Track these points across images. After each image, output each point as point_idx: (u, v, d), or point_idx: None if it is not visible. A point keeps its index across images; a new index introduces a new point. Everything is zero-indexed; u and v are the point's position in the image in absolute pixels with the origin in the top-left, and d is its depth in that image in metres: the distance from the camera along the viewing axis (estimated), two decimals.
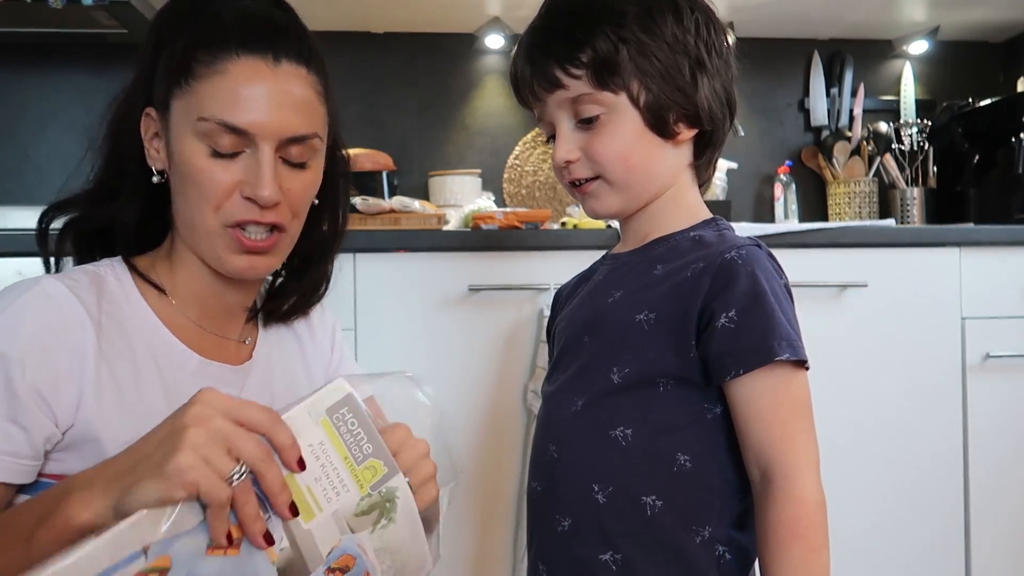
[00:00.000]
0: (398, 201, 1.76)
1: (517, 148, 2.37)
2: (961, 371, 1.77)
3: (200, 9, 0.85)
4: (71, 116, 2.22)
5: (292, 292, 0.98)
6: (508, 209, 1.92)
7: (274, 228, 0.85)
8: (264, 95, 0.81)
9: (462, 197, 2.12)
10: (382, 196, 1.96)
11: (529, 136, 2.37)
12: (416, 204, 1.77)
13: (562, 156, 0.87)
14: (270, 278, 0.99)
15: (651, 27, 0.84)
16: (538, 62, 0.87)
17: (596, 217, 0.92)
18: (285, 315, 0.99)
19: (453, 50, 2.35)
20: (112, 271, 0.87)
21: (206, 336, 0.90)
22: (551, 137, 0.91)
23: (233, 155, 0.82)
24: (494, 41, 2.31)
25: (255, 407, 0.67)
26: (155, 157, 0.87)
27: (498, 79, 2.37)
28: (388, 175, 2.07)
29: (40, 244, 0.91)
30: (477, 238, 1.68)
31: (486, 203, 2.03)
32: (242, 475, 0.64)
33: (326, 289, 1.01)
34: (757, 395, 0.79)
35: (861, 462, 1.74)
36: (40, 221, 0.91)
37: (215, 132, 0.80)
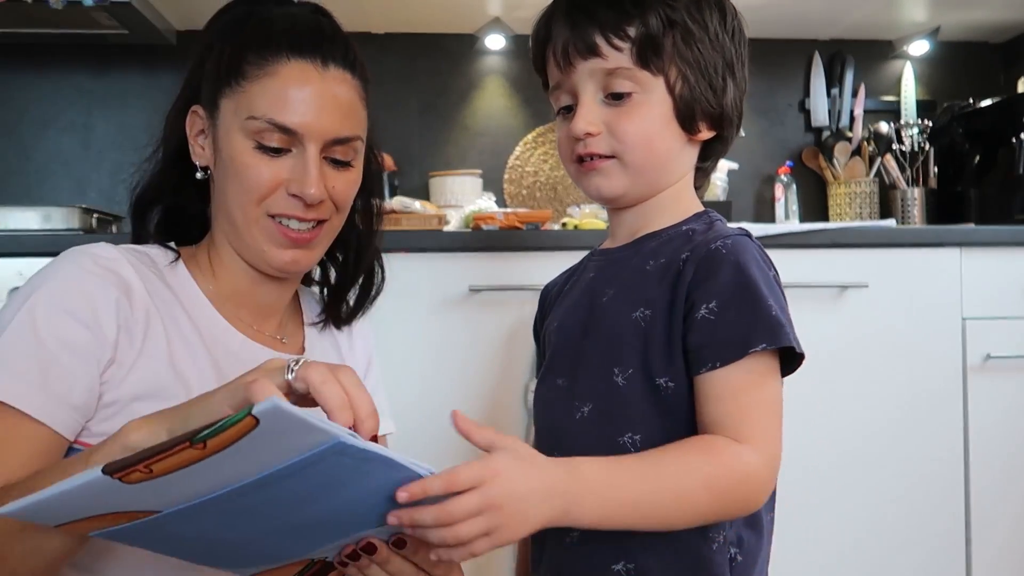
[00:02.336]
0: (399, 202, 1.76)
1: (518, 148, 2.37)
2: (962, 372, 1.76)
3: (249, 14, 0.88)
4: (72, 117, 2.22)
5: (347, 289, 1.02)
6: (509, 210, 1.92)
7: (318, 222, 0.88)
8: (313, 97, 0.84)
9: (463, 197, 2.12)
10: (382, 196, 1.96)
11: (530, 136, 2.37)
12: (417, 204, 1.77)
13: (584, 127, 0.83)
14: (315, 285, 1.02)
15: (698, 18, 0.83)
16: (580, 26, 0.83)
17: (598, 196, 0.88)
18: (350, 314, 1.03)
19: (454, 50, 2.35)
20: (159, 249, 0.91)
21: (245, 328, 0.92)
22: (564, 108, 0.87)
23: (279, 153, 0.85)
24: (495, 41, 2.31)
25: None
26: (200, 154, 0.90)
27: (499, 79, 2.37)
28: (389, 175, 2.07)
29: (135, 234, 0.96)
30: (478, 239, 1.68)
31: (487, 203, 2.03)
32: (298, 363, 0.66)
33: (380, 284, 1.04)
34: (724, 382, 0.76)
35: (861, 463, 1.74)
36: (136, 213, 0.95)
37: (264, 131, 0.84)
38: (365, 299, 1.03)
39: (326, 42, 0.87)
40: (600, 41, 0.82)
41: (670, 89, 0.83)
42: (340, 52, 0.87)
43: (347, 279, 1.02)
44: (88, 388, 0.78)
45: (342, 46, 0.88)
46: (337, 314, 1.02)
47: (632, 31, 0.81)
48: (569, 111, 0.86)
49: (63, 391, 0.76)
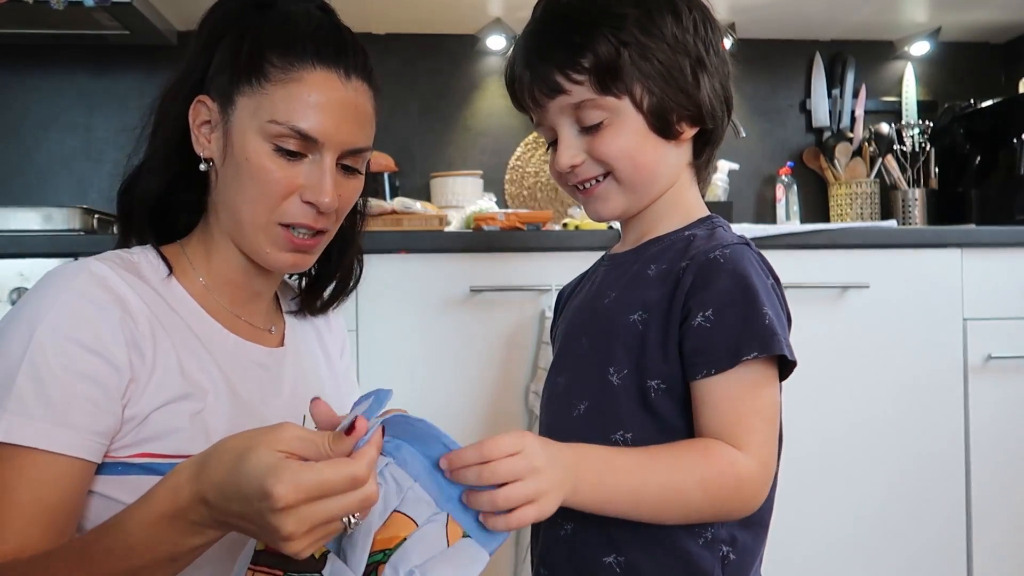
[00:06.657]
0: (399, 202, 1.76)
1: (519, 149, 2.37)
2: (963, 372, 1.77)
3: (264, 6, 0.87)
4: (73, 117, 2.22)
5: (326, 284, 1.04)
6: (509, 210, 1.92)
7: (319, 231, 0.90)
8: (336, 107, 0.85)
9: (463, 198, 2.12)
10: (384, 197, 1.96)
11: (531, 137, 2.37)
12: (417, 205, 1.77)
13: (566, 162, 0.86)
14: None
15: (651, 29, 0.83)
16: (537, 67, 0.85)
17: (599, 219, 0.91)
18: (324, 305, 1.05)
19: (455, 51, 2.35)
20: (144, 256, 0.90)
21: (238, 322, 0.93)
22: (551, 143, 0.89)
23: (295, 158, 0.85)
24: (495, 42, 2.31)
25: (331, 470, 0.64)
26: (205, 145, 0.89)
27: (500, 80, 2.36)
28: (390, 176, 2.07)
29: (122, 223, 0.95)
30: (478, 239, 1.68)
31: (487, 204, 2.03)
32: (356, 521, 0.66)
33: (357, 280, 1.06)
34: (720, 389, 0.78)
35: (862, 463, 1.74)
36: (121, 206, 0.95)
37: (285, 135, 0.84)
38: (341, 293, 1.05)
39: (348, 51, 0.88)
40: (560, 79, 0.84)
41: (637, 106, 0.84)
42: (361, 62, 0.89)
43: (327, 273, 1.04)
44: (112, 412, 0.79)
45: (362, 55, 0.90)
46: (312, 305, 1.04)
47: (586, 63, 0.83)
48: (556, 144, 0.88)
49: (86, 422, 0.77)
